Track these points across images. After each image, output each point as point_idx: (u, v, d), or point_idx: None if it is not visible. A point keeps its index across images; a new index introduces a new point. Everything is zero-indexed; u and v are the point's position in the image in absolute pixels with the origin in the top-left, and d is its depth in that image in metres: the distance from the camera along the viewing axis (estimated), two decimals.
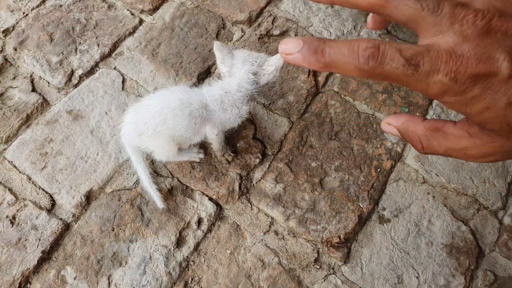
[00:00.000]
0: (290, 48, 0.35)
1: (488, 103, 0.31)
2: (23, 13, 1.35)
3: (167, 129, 0.94)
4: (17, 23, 1.33)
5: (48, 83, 1.24)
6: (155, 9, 1.40)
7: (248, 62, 0.93)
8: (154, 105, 0.94)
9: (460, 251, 1.10)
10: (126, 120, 1.00)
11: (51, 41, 1.30)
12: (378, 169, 1.19)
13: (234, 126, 1.04)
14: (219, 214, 1.10)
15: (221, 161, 1.15)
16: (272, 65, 0.92)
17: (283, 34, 1.38)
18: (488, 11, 0.32)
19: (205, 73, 1.29)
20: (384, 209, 1.14)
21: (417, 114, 1.27)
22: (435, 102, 1.30)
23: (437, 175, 1.19)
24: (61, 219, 1.05)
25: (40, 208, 1.06)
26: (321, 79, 1.32)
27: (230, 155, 1.15)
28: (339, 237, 1.08)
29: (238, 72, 0.94)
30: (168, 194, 1.10)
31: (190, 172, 1.13)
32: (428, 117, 1.27)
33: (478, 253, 1.10)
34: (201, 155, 1.14)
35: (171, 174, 1.13)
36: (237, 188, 1.12)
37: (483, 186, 1.18)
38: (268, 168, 1.16)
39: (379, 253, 1.08)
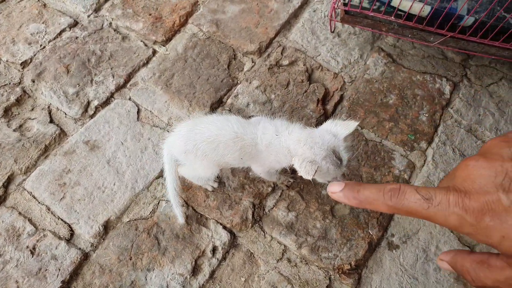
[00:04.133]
0: (335, 189, 0.46)
1: (502, 232, 0.35)
2: (41, 45, 1.40)
3: (216, 155, 0.96)
4: (35, 55, 1.38)
5: (65, 114, 1.28)
6: (168, 40, 1.45)
7: (307, 144, 0.85)
8: (209, 130, 0.95)
9: None
10: (178, 133, 1.02)
11: (68, 72, 1.35)
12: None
13: (278, 169, 1.05)
14: (233, 242, 1.14)
15: (281, 187, 1.21)
16: (301, 169, 0.84)
17: (292, 64, 1.43)
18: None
19: (218, 103, 1.34)
20: (393, 235, 1.18)
21: (423, 141, 1.32)
22: (440, 129, 1.35)
23: None
24: (79, 248, 1.09)
25: (59, 238, 1.09)
26: (329, 107, 1.37)
27: (289, 181, 1.20)
28: (350, 264, 1.12)
29: (294, 137, 0.90)
30: (184, 223, 1.13)
31: (205, 201, 1.17)
32: (433, 144, 1.32)
33: None
34: (215, 185, 1.18)
35: (186, 203, 1.17)
36: (250, 216, 1.16)
37: None
38: (280, 196, 1.20)
39: (389, 279, 1.12)
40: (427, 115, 1.37)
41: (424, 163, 1.29)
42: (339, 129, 0.88)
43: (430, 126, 1.35)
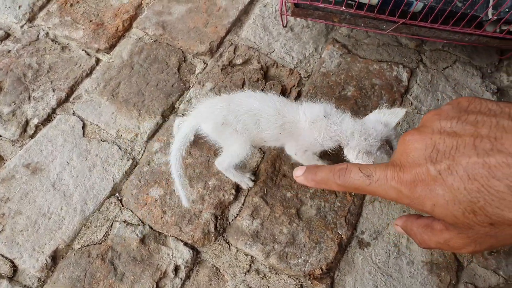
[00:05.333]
0: (298, 173, 0.49)
1: (433, 200, 0.35)
2: None
3: (256, 129, 0.90)
4: None
5: (1, 136, 1.11)
6: (112, 47, 1.29)
7: (362, 135, 0.83)
8: (251, 104, 0.89)
9: (440, 267, 1.05)
10: (215, 104, 0.92)
11: (1, 90, 1.17)
12: (353, 192, 1.13)
13: (316, 151, 0.96)
14: (196, 259, 1.01)
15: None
16: (357, 161, 0.81)
17: (246, 62, 1.31)
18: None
19: (170, 110, 1.20)
20: (362, 233, 1.09)
21: None
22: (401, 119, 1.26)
23: None
24: (25, 286, 0.93)
25: (0, 276, 0.93)
26: None
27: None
28: (321, 268, 1.02)
29: (346, 128, 0.85)
30: (140, 244, 1.00)
31: (162, 217, 1.03)
32: None
33: (457, 267, 1.06)
34: (251, 184, 1.09)
35: (142, 222, 1.03)
36: (212, 229, 1.03)
37: None
38: (243, 203, 1.08)
39: (363, 279, 1.02)
40: (387, 104, 1.28)
41: None
42: (388, 118, 0.85)
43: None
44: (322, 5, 1.22)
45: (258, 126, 0.90)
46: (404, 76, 1.35)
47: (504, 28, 1.22)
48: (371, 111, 1.25)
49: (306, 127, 0.89)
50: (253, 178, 1.10)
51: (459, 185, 0.33)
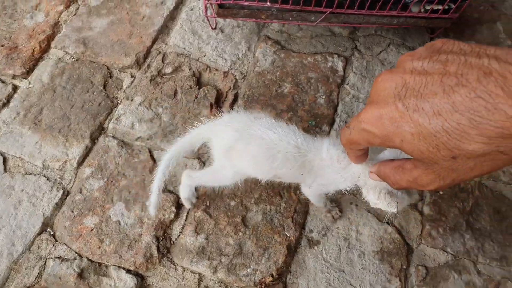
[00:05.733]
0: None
1: (400, 136, 0.36)
2: None
3: (268, 165, 0.78)
4: None
5: None
6: (30, 71, 1.19)
7: (382, 195, 0.71)
8: (268, 139, 0.76)
9: (391, 254, 1.04)
10: (231, 125, 0.80)
11: None
12: (298, 191, 1.09)
13: (332, 190, 0.87)
14: (142, 285, 0.95)
15: (327, 217, 1.06)
16: (379, 202, 0.71)
17: (176, 70, 1.24)
18: None
19: (99, 131, 1.11)
20: (311, 231, 1.05)
21: (324, 124, 1.19)
22: (339, 108, 1.24)
23: None
24: None
25: None
26: (224, 110, 1.20)
27: (337, 213, 1.06)
28: (272, 275, 0.98)
29: (362, 168, 0.73)
30: (79, 279, 0.92)
31: (100, 247, 0.96)
32: (335, 125, 1.21)
33: (407, 251, 1.05)
34: (194, 201, 1.02)
35: (79, 255, 0.95)
36: (155, 251, 0.97)
37: None
38: (185, 220, 1.02)
39: (315, 279, 0.99)
40: (324, 97, 1.24)
41: None
42: (405, 154, 0.76)
43: (329, 107, 1.23)
44: (246, 3, 1.17)
45: (273, 162, 0.77)
46: (340, 65, 1.32)
47: (428, 7, 1.21)
48: (309, 106, 1.22)
49: (328, 164, 0.78)
50: (196, 195, 1.03)
51: (424, 121, 0.34)
